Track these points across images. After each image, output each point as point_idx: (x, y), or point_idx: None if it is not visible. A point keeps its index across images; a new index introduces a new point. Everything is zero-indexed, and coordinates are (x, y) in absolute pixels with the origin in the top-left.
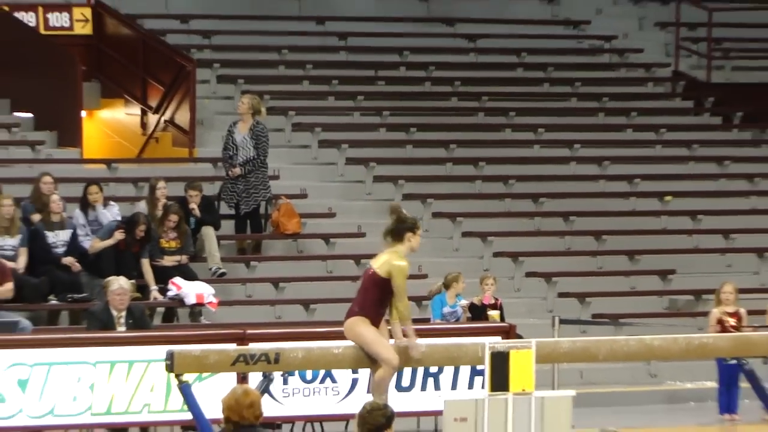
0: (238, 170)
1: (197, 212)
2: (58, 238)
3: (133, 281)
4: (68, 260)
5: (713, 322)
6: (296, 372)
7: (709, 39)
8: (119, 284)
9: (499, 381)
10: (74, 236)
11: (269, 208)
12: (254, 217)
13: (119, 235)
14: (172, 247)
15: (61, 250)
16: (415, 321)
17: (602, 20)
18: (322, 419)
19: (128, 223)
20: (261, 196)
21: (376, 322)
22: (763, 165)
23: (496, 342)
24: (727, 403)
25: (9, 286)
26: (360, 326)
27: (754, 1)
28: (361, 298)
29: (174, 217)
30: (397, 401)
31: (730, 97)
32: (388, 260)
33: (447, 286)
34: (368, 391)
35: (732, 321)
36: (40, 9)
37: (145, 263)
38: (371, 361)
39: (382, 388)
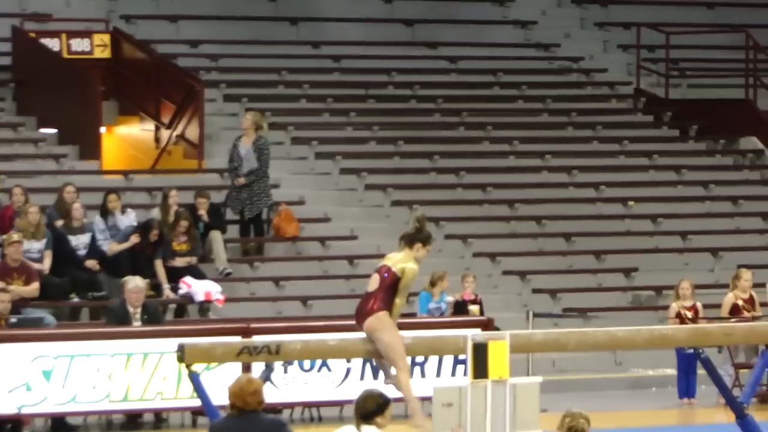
0: (242, 180)
1: (205, 218)
2: (79, 241)
3: (147, 280)
4: (90, 263)
5: (672, 314)
6: (295, 362)
7: (667, 59)
8: (135, 283)
9: (480, 369)
10: (93, 240)
11: (271, 214)
12: (257, 222)
13: (135, 239)
14: (183, 250)
15: (82, 252)
16: (403, 315)
17: (570, 43)
18: (318, 405)
19: (143, 228)
20: (263, 203)
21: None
22: (717, 173)
23: (476, 334)
24: (686, 388)
25: (35, 286)
26: (386, 326)
27: (707, 25)
28: (383, 295)
29: (184, 223)
30: (386, 388)
31: (687, 112)
32: (403, 260)
33: (433, 283)
34: (375, 378)
35: (689, 314)
36: (64, 36)
37: (159, 264)
38: (379, 355)
39: (410, 392)
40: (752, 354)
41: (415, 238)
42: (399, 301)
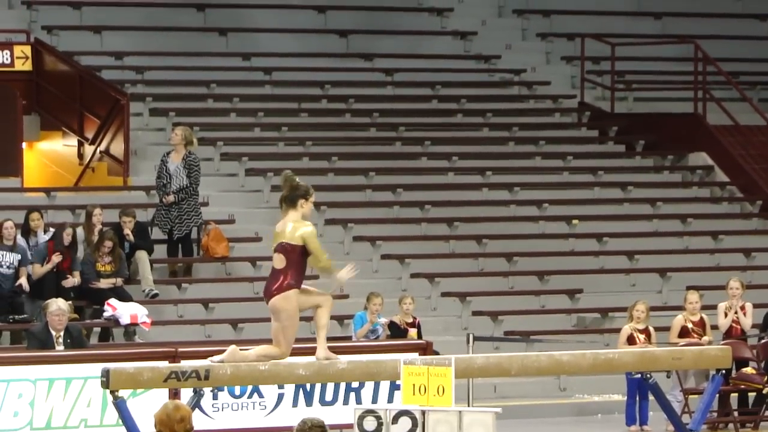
0: (171, 198)
1: (131, 237)
2: (4, 259)
3: (70, 303)
4: (21, 282)
5: (623, 338)
6: (225, 388)
7: (612, 72)
8: (58, 306)
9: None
10: (20, 261)
11: (200, 233)
12: (185, 241)
13: (56, 259)
14: (107, 271)
15: (8, 271)
16: (337, 339)
17: (512, 55)
18: None
19: (55, 233)
20: (193, 222)
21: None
22: (664, 190)
23: (415, 358)
24: (634, 415)
25: None
26: (291, 310)
27: (654, 36)
28: (293, 272)
29: (109, 243)
30: (320, 414)
31: (633, 127)
32: (295, 227)
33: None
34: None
35: (642, 337)
36: None
37: (76, 274)
38: (276, 339)
39: (261, 359)
40: (702, 379)
41: (295, 196)
42: (321, 263)
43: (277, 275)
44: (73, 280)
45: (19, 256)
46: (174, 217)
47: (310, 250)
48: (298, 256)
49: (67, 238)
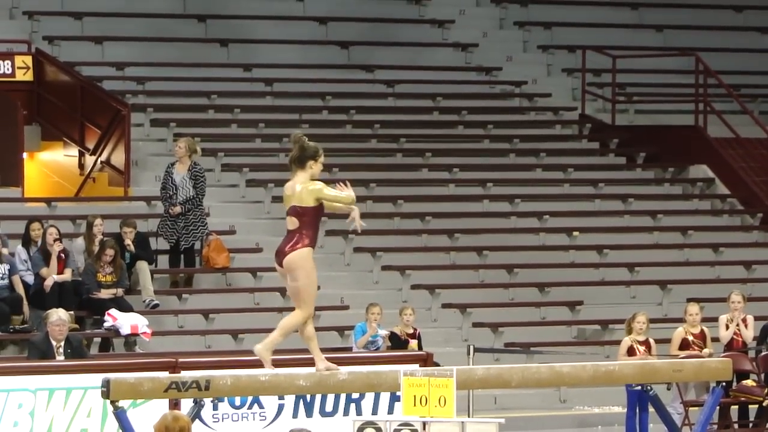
0: (178, 209)
1: (132, 248)
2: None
3: (71, 313)
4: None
5: (624, 350)
6: (225, 398)
7: (613, 84)
8: (58, 316)
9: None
10: (11, 271)
11: (202, 243)
12: (188, 252)
13: (57, 247)
14: (108, 281)
15: (1, 283)
16: (337, 350)
17: (513, 67)
18: None
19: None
20: (200, 233)
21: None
22: (665, 202)
23: (416, 369)
24: (634, 427)
25: None
26: (308, 267)
27: (655, 48)
28: (308, 231)
29: (110, 251)
30: (320, 426)
31: (634, 139)
32: (305, 189)
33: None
34: (309, 416)
35: (642, 349)
36: None
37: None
38: (298, 301)
39: (287, 331)
40: (702, 391)
41: (304, 157)
42: (342, 201)
43: (291, 236)
44: (64, 276)
45: (9, 265)
46: (181, 228)
47: (328, 202)
48: (310, 217)
49: (51, 238)
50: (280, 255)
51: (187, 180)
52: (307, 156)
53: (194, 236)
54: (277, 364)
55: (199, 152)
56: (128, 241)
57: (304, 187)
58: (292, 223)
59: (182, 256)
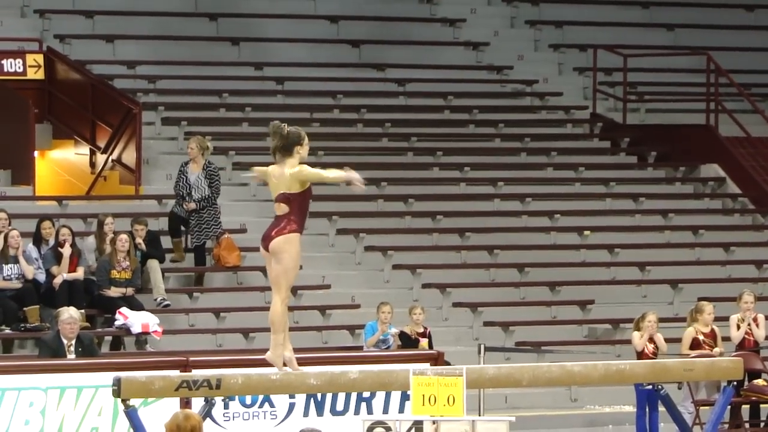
0: (193, 205)
1: (143, 246)
2: (12, 272)
3: (82, 311)
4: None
5: (640, 348)
6: (236, 397)
7: (624, 83)
8: (69, 314)
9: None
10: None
11: (212, 242)
12: (199, 251)
13: (67, 252)
14: (122, 278)
15: (16, 282)
16: (348, 349)
17: (524, 66)
18: None
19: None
20: (212, 231)
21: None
22: (676, 201)
23: (426, 368)
24: (645, 426)
25: None
26: (294, 252)
27: (666, 47)
28: (296, 217)
29: (124, 237)
30: (331, 425)
31: (645, 138)
32: (293, 174)
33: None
34: (320, 414)
35: (651, 347)
36: None
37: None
38: (277, 284)
39: (279, 323)
40: (713, 391)
41: (289, 144)
42: (326, 179)
43: (278, 220)
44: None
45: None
46: (192, 226)
47: (314, 179)
48: (299, 203)
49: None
50: (267, 240)
51: (202, 179)
52: (292, 142)
53: (206, 234)
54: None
55: (210, 149)
56: (139, 240)
57: (290, 174)
58: (281, 209)
59: (193, 255)
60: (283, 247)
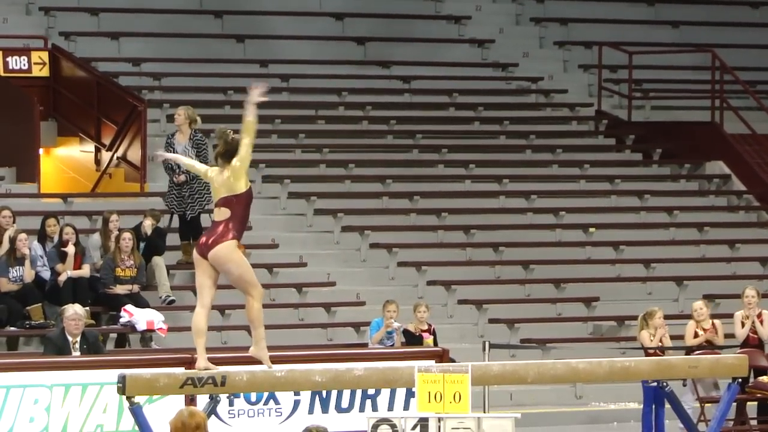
0: (183, 177)
1: (148, 231)
2: (19, 273)
3: (87, 308)
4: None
5: (648, 343)
6: (241, 394)
7: (629, 80)
8: (74, 311)
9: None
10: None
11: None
12: (196, 227)
13: (71, 251)
14: (127, 276)
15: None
16: (354, 346)
17: (529, 63)
18: None
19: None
20: (205, 201)
21: None
22: (681, 198)
23: (431, 365)
24: (651, 423)
25: None
26: (236, 257)
27: (671, 44)
28: (236, 223)
29: (128, 236)
30: (336, 422)
31: (650, 135)
32: (233, 171)
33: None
34: (325, 411)
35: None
36: (0, 53)
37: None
38: (244, 287)
39: (259, 320)
40: (710, 387)
41: (232, 150)
42: (251, 134)
43: (216, 226)
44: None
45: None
46: (186, 197)
47: (248, 151)
48: (242, 207)
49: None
50: (204, 246)
51: (189, 149)
52: (235, 149)
53: (200, 204)
54: (292, 360)
55: (199, 122)
56: (147, 225)
57: (232, 170)
58: (222, 213)
59: (191, 234)
60: (227, 257)
